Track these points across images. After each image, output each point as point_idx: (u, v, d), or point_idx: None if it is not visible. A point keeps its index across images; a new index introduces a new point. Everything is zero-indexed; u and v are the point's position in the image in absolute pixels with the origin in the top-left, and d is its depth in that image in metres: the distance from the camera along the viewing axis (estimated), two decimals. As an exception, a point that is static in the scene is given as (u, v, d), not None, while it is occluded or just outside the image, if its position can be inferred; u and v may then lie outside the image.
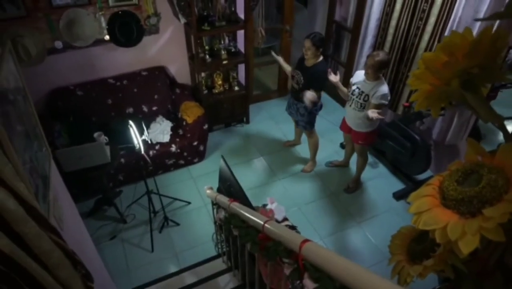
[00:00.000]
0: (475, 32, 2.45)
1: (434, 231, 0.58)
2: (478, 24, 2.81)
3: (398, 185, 3.86)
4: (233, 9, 3.96)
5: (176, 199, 3.63)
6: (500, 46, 0.65)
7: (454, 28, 3.14)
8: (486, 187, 0.55)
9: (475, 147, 0.62)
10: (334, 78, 3.30)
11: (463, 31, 0.63)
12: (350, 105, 3.26)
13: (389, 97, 2.99)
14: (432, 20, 3.35)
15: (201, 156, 4.11)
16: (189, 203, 3.66)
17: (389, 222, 3.46)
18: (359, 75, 3.17)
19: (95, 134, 3.17)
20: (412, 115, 3.57)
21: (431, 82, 0.66)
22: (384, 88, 2.96)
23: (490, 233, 0.52)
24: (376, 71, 2.93)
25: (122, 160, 3.55)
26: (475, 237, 0.54)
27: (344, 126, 3.55)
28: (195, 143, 3.91)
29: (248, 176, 3.97)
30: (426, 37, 3.44)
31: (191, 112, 3.84)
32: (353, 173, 3.95)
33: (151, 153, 3.67)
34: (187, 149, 3.90)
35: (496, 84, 2.73)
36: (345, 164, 4.09)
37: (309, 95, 3.18)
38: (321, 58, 3.27)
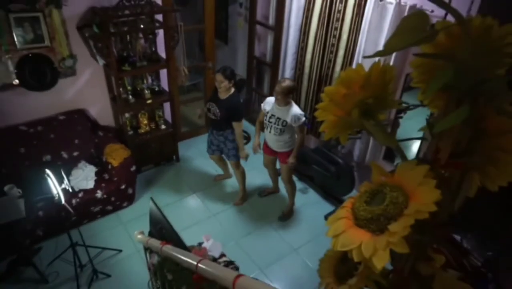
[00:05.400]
0: (387, 61, 2.75)
1: (351, 251, 0.62)
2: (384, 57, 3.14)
3: (329, 207, 4.03)
4: (153, 49, 3.96)
5: (105, 248, 3.38)
6: (388, 78, 0.74)
7: (359, 60, 3.48)
8: (389, 205, 0.61)
9: (378, 169, 0.68)
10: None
11: (356, 67, 0.71)
12: (270, 132, 3.41)
13: (304, 115, 3.24)
14: (341, 52, 3.68)
15: (130, 199, 3.92)
16: (120, 251, 3.43)
17: (325, 245, 3.56)
18: (270, 102, 3.36)
19: (6, 188, 2.87)
20: (333, 140, 3.81)
21: (335, 113, 0.73)
22: (296, 110, 3.21)
23: (396, 246, 0.57)
24: (285, 96, 3.16)
25: (40, 213, 3.24)
26: (386, 252, 0.59)
27: (267, 150, 3.65)
28: (123, 186, 3.73)
29: (182, 215, 3.86)
30: (337, 68, 3.76)
31: (116, 155, 3.68)
32: (285, 199, 4.04)
33: (74, 201, 3.41)
34: (115, 193, 3.70)
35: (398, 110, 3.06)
36: (275, 190, 4.18)
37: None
38: (232, 90, 3.40)
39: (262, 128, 3.57)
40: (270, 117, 3.34)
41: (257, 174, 4.42)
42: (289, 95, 3.18)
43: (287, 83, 3.14)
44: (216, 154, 3.90)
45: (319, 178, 4.07)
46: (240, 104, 3.46)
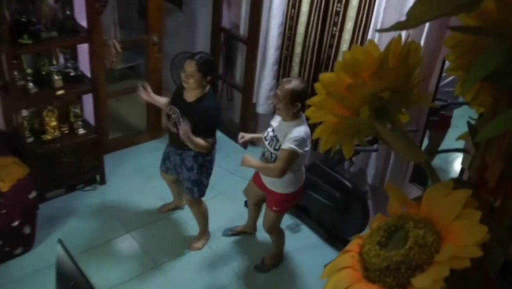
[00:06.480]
0: (413, 38, 2.81)
1: (359, 317, 0.63)
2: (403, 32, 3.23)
3: (332, 253, 4.05)
4: (68, 12, 3.93)
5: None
6: (414, 62, 0.76)
7: (375, 36, 3.55)
8: (414, 248, 0.62)
9: (397, 195, 0.70)
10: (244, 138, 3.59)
11: (367, 45, 0.72)
12: (264, 154, 3.40)
13: (307, 145, 3.19)
14: (349, 25, 3.76)
15: (27, 243, 3.84)
16: (10, 323, 3.35)
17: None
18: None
19: None
20: (336, 154, 3.85)
21: (335, 112, 0.74)
22: (300, 130, 3.13)
23: (423, 311, 0.58)
24: (289, 105, 3.11)
25: None
26: (408, 319, 0.60)
27: (257, 179, 3.63)
28: (16, 223, 3.65)
29: (109, 267, 3.80)
30: (344, 46, 3.83)
31: (6, 174, 3.63)
32: (265, 239, 4.05)
33: None
34: (3, 234, 3.63)
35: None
36: (250, 229, 4.18)
37: (185, 126, 3.26)
38: (207, 88, 3.41)
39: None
40: (267, 133, 3.35)
41: (228, 204, 4.41)
42: (296, 104, 3.11)
43: (293, 84, 3.09)
44: (171, 174, 3.90)
45: (318, 209, 4.09)
46: (215, 109, 3.48)
